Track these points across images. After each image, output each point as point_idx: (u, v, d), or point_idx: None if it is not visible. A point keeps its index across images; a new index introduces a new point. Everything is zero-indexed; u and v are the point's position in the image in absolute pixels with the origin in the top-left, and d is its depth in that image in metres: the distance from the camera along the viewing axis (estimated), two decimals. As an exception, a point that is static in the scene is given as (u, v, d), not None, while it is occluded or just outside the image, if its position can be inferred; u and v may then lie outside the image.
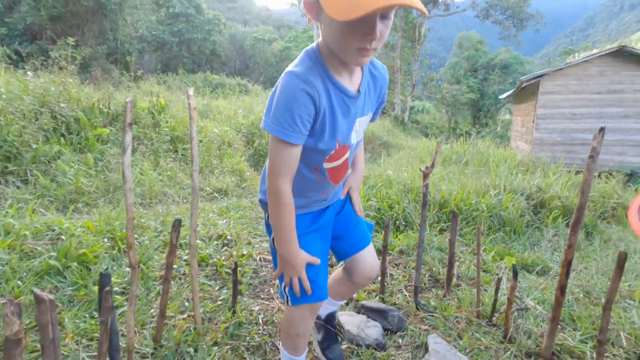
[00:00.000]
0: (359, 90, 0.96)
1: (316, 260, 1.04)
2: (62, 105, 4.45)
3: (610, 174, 5.89)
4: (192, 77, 17.87)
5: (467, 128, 23.47)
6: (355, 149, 1.08)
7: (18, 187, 3.27)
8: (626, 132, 9.74)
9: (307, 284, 1.01)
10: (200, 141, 5.40)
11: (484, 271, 2.32)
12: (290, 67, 0.90)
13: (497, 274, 2.26)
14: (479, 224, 3.01)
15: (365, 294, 1.93)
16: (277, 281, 2.09)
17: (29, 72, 5.23)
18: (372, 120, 1.12)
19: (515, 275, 1.53)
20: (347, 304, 1.80)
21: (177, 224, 1.28)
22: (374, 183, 3.68)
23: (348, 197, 1.25)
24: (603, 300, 1.51)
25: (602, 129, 1.33)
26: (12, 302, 0.75)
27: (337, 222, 1.21)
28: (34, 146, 3.75)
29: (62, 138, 4.15)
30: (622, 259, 1.27)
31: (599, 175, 5.89)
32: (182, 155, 4.84)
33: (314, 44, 0.94)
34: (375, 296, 1.89)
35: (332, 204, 1.19)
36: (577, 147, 10.05)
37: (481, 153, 6.53)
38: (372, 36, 0.78)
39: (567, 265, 1.43)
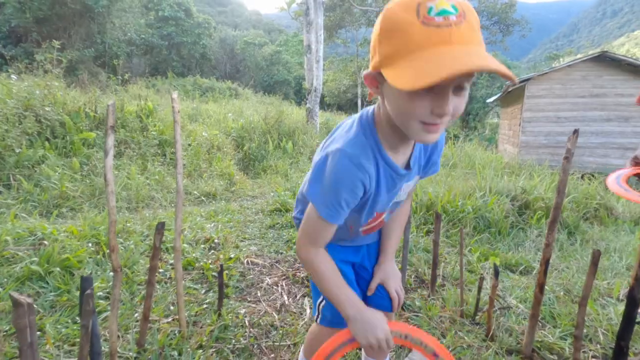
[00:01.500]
0: (409, 165, 0.88)
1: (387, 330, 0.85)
2: (47, 108, 4.39)
3: (593, 176, 6.03)
4: (181, 80, 17.77)
5: (456, 131, 23.75)
6: (395, 207, 0.99)
7: (0, 192, 3.21)
8: (609, 135, 9.99)
9: (390, 342, 0.85)
10: (189, 145, 5.37)
11: (470, 271, 2.36)
12: (343, 143, 0.79)
13: (482, 274, 2.30)
14: (465, 225, 3.06)
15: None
16: (263, 283, 2.09)
17: (12, 75, 5.15)
18: (424, 176, 1.01)
19: (497, 274, 1.57)
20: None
21: (161, 227, 1.28)
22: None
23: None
24: (581, 297, 1.55)
25: (575, 131, 1.38)
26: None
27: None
28: (18, 150, 3.69)
29: (46, 142, 4.09)
30: (596, 257, 1.32)
31: (582, 177, 6.03)
32: (170, 159, 4.80)
33: (369, 110, 0.84)
34: (362, 297, 1.91)
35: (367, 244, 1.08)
36: (562, 149, 10.14)
37: (469, 156, 6.63)
38: (443, 110, 0.65)
39: (545, 263, 1.48)
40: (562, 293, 2.02)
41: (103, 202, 3.31)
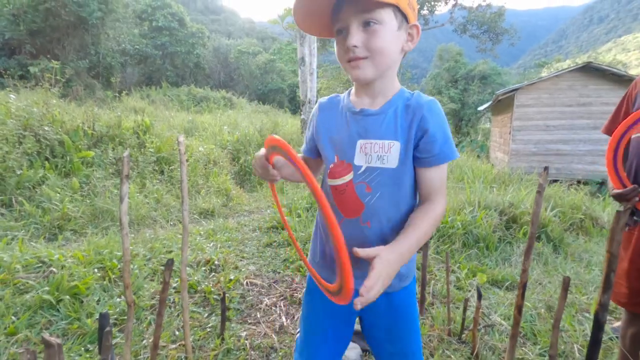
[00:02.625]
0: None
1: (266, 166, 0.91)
2: (46, 128, 4.47)
3: (579, 183, 6.23)
4: (176, 90, 17.84)
5: (449, 137, 24.00)
6: (368, 176, 0.89)
7: (2, 215, 3.28)
8: (596, 143, 10.26)
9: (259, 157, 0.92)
10: (186, 161, 5.46)
11: (458, 288, 2.48)
12: None
13: (469, 291, 2.43)
14: (454, 241, 3.19)
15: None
16: (262, 304, 2.20)
17: (11, 95, 5.22)
18: (424, 162, 0.86)
19: (479, 297, 1.69)
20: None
21: (170, 264, 1.39)
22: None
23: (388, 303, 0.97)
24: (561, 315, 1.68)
25: (546, 168, 1.52)
26: (28, 351, 0.86)
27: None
28: (18, 172, 3.76)
29: (46, 162, 4.16)
30: (566, 283, 1.45)
31: (568, 188, 6.24)
32: (168, 176, 4.89)
33: None
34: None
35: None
36: (551, 157, 10.55)
37: (459, 167, 6.80)
38: (347, 42, 0.82)
39: (522, 287, 1.60)
40: (543, 310, 2.15)
41: (105, 224, 3.40)
